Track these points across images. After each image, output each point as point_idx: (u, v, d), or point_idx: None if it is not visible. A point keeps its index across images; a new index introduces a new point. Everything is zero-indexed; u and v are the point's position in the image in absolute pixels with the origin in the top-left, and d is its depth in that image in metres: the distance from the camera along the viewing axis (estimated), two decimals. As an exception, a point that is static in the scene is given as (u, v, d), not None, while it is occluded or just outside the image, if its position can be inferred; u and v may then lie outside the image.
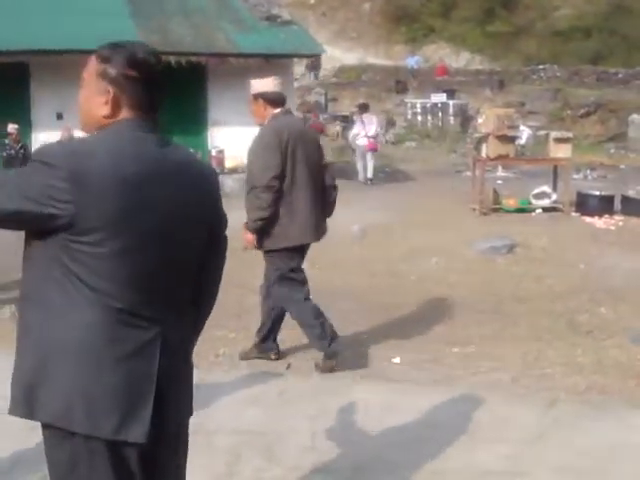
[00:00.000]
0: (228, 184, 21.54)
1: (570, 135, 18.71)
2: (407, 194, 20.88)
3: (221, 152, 21.88)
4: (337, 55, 46.91)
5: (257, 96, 7.43)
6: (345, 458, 5.47)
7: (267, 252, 7.37)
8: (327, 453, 5.51)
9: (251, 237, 7.22)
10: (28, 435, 5.68)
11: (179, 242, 2.94)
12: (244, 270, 11.72)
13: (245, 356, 7.73)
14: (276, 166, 7.07)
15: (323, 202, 7.54)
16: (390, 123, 36.07)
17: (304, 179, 7.26)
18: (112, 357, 2.79)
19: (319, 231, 7.57)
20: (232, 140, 22.04)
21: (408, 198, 19.88)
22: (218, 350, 7.81)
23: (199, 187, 3.04)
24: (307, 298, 7.43)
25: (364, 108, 24.97)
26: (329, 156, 29.19)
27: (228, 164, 21.99)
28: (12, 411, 2.89)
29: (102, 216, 2.69)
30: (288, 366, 7.52)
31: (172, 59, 20.80)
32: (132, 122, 2.87)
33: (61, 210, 2.66)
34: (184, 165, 3.00)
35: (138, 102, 2.89)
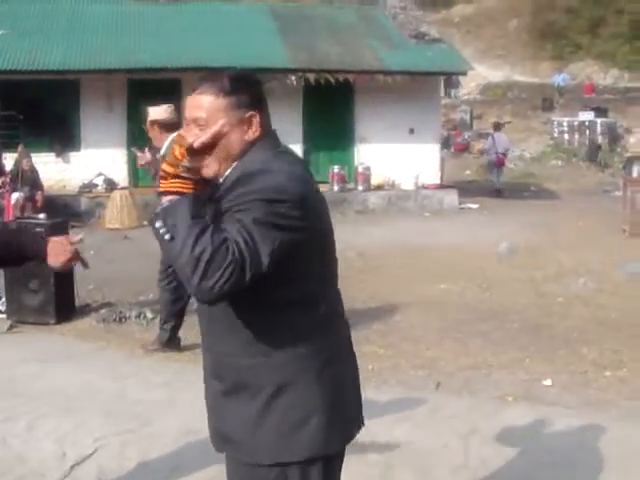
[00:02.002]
0: (372, 200, 21.70)
1: None
2: (553, 213, 20.63)
3: (367, 169, 21.97)
4: (482, 72, 46.61)
5: (152, 123, 8.14)
6: (498, 478, 5.46)
7: None
8: (479, 472, 5.50)
9: None
10: (185, 440, 5.89)
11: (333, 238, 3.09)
12: (387, 287, 11.81)
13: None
14: None
15: None
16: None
17: None
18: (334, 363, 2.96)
19: None
20: (378, 157, 22.18)
21: (555, 217, 19.64)
22: (367, 366, 7.86)
23: None
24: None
25: (497, 127, 27.80)
26: (472, 173, 29.40)
27: (374, 181, 22.07)
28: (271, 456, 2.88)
29: (313, 223, 2.83)
30: (437, 385, 7.53)
31: (320, 76, 21.08)
32: (272, 142, 2.94)
33: (301, 233, 2.75)
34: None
35: (268, 117, 2.97)
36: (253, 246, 2.60)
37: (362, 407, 3.14)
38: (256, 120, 2.88)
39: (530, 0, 56.56)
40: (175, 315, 8.45)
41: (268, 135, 2.93)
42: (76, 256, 3.46)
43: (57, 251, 3.46)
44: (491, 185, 26.27)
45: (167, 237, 2.61)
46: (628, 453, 5.89)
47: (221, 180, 2.89)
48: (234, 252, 2.57)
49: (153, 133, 8.23)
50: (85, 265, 3.51)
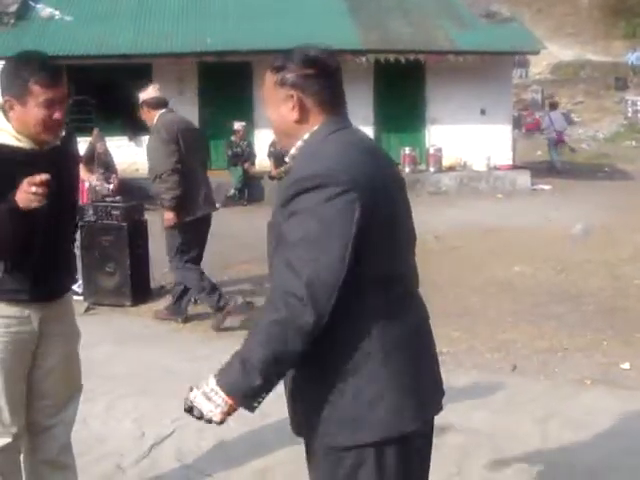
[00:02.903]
0: (444, 182, 21.59)
1: None
2: (628, 194, 20.34)
3: (439, 150, 21.85)
4: (554, 51, 45.98)
5: (142, 104, 8.81)
6: (576, 462, 5.40)
7: (174, 227, 8.68)
8: (557, 457, 5.46)
9: (172, 215, 8.59)
10: (260, 423, 5.92)
11: (409, 214, 3.06)
12: (462, 270, 11.75)
13: (157, 315, 9.26)
14: (175, 152, 8.51)
15: (208, 179, 9.20)
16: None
17: (197, 161, 8.88)
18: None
19: (214, 204, 9.20)
20: (450, 138, 22.04)
21: (630, 198, 19.36)
22: (442, 349, 7.81)
23: (398, 169, 3.21)
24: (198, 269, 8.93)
25: (553, 106, 29.10)
26: (543, 153, 29.14)
27: (445, 162, 21.95)
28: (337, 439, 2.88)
29: (376, 209, 2.77)
30: (514, 368, 7.48)
31: (391, 57, 21.00)
32: (330, 125, 2.93)
33: (362, 220, 2.72)
34: (382, 150, 3.15)
35: (323, 100, 2.93)
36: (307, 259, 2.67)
37: (441, 390, 3.11)
38: (294, 100, 2.91)
39: (602, -23, 55.72)
40: (205, 286, 8.78)
41: (330, 118, 2.94)
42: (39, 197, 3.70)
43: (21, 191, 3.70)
44: (551, 164, 26.65)
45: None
46: None
47: (287, 160, 3.01)
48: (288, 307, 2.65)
49: (143, 113, 8.84)
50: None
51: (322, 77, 2.93)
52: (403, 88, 22.10)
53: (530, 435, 5.83)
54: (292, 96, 2.90)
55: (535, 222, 15.95)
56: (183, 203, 8.56)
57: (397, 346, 2.86)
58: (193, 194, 8.66)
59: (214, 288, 8.80)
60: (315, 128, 2.92)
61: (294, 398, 2.97)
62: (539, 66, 45.64)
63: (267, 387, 2.71)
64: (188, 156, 8.65)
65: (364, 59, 20.95)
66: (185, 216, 8.62)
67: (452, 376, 6.92)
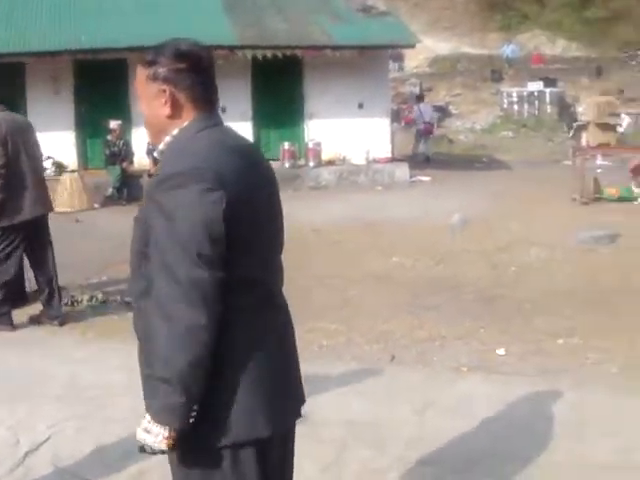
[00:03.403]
0: (324, 176, 21.66)
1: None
2: (505, 184, 20.70)
3: (318, 145, 21.91)
4: (430, 45, 46.56)
5: None
6: (453, 450, 5.47)
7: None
8: (435, 445, 5.51)
9: None
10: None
11: (278, 214, 3.04)
12: (341, 263, 11.80)
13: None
14: (2, 156, 8.19)
15: (43, 180, 8.94)
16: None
17: (28, 162, 8.52)
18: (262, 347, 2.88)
19: (46, 205, 8.87)
20: (329, 132, 22.11)
21: (506, 188, 19.71)
22: (321, 342, 7.84)
23: (270, 168, 3.14)
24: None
25: (420, 98, 30.72)
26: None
27: (324, 156, 22.02)
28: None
29: (241, 208, 2.73)
30: (392, 358, 7.54)
31: (268, 52, 20.97)
32: (200, 122, 2.88)
33: (226, 219, 2.68)
34: (254, 149, 3.12)
35: (195, 95, 2.88)
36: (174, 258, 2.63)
37: (300, 396, 3.09)
38: (166, 95, 2.86)
39: (477, -29, 56.64)
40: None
41: (201, 115, 2.89)
42: None
43: None
44: (420, 155, 27.06)
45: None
46: (584, 419, 5.95)
47: (156, 155, 2.98)
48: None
49: None
50: None
51: (194, 72, 2.88)
52: (281, 83, 22.10)
53: (409, 424, 5.88)
54: (164, 91, 2.85)
55: (414, 214, 16.08)
56: (1, 208, 8.33)
57: (257, 350, 2.83)
58: (18, 199, 8.36)
59: (5, 302, 8.63)
60: (185, 124, 2.87)
61: None
62: (416, 60, 46.19)
63: (191, 399, 2.68)
64: (17, 158, 8.37)
65: (240, 54, 20.85)
66: (5, 221, 8.39)
67: (330, 369, 6.99)
